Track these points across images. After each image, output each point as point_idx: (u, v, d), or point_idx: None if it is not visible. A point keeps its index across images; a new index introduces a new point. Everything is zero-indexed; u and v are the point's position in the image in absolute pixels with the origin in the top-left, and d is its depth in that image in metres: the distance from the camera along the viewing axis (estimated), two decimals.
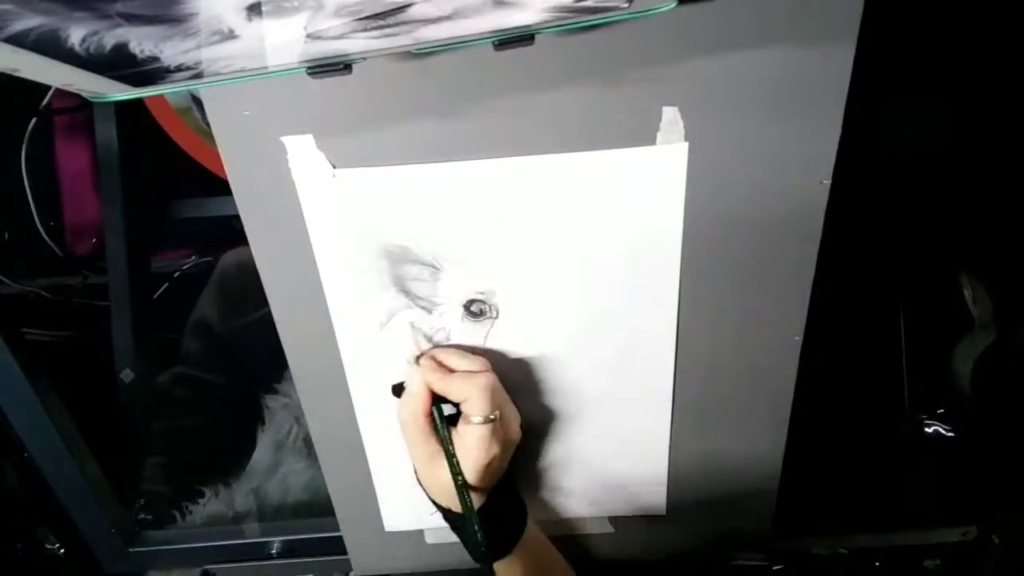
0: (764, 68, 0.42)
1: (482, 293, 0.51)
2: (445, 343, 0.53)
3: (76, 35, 0.30)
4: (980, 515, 0.71)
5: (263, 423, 0.88)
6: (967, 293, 0.74)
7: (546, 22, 0.35)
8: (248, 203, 0.48)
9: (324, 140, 0.45)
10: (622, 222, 0.48)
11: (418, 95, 0.44)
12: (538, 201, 0.47)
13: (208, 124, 0.51)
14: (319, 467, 0.83)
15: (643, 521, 0.62)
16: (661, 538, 0.64)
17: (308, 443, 0.86)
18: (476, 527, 0.49)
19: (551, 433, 0.57)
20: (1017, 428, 0.71)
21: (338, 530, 0.72)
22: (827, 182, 0.46)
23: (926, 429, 0.77)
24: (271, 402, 0.89)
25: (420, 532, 0.64)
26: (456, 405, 0.49)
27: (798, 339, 0.53)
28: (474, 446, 0.48)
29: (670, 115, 0.44)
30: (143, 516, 0.76)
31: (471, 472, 0.48)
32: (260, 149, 0.45)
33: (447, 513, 0.52)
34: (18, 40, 0.29)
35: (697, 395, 0.55)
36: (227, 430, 0.88)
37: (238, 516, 0.79)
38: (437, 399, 0.49)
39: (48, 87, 0.73)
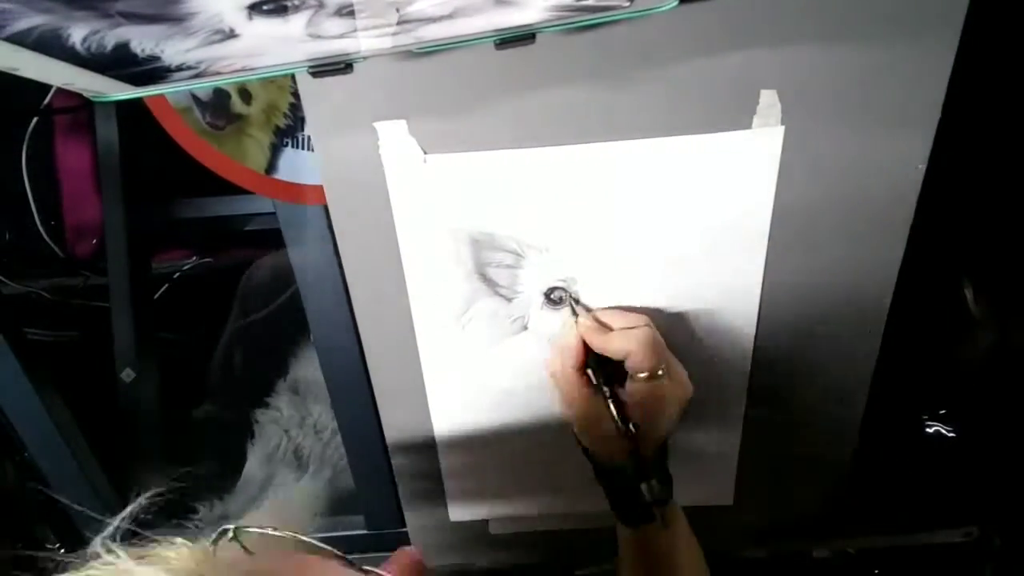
0: (865, 51, 0.42)
1: (563, 280, 0.51)
2: (520, 332, 0.53)
3: (77, 34, 0.30)
4: (982, 515, 0.71)
5: (253, 437, 0.88)
6: (968, 293, 0.74)
7: (547, 21, 0.35)
8: (336, 188, 0.49)
9: (415, 126, 0.46)
10: (709, 208, 0.48)
11: (509, 81, 0.44)
12: (626, 187, 0.47)
13: (209, 124, 0.51)
14: (311, 478, 0.84)
15: (709, 511, 0.62)
16: (727, 528, 0.64)
17: (298, 455, 0.87)
18: (649, 479, 0.46)
19: None
20: (1018, 428, 0.71)
21: (337, 530, 0.73)
22: (922, 166, 0.46)
23: (927, 429, 0.77)
24: (260, 416, 0.90)
25: (484, 523, 0.64)
26: (619, 364, 0.47)
27: (880, 327, 0.53)
28: (644, 403, 0.46)
29: (768, 98, 0.44)
30: (143, 516, 0.76)
31: (643, 429, 0.46)
32: (351, 134, 0.46)
33: (602, 468, 0.50)
34: (19, 39, 0.29)
35: (774, 385, 0.56)
36: (217, 446, 0.88)
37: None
38: (594, 357, 0.48)
39: (49, 86, 0.73)
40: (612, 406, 0.46)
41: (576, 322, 0.49)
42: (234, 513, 0.81)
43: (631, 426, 0.46)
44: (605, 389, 0.47)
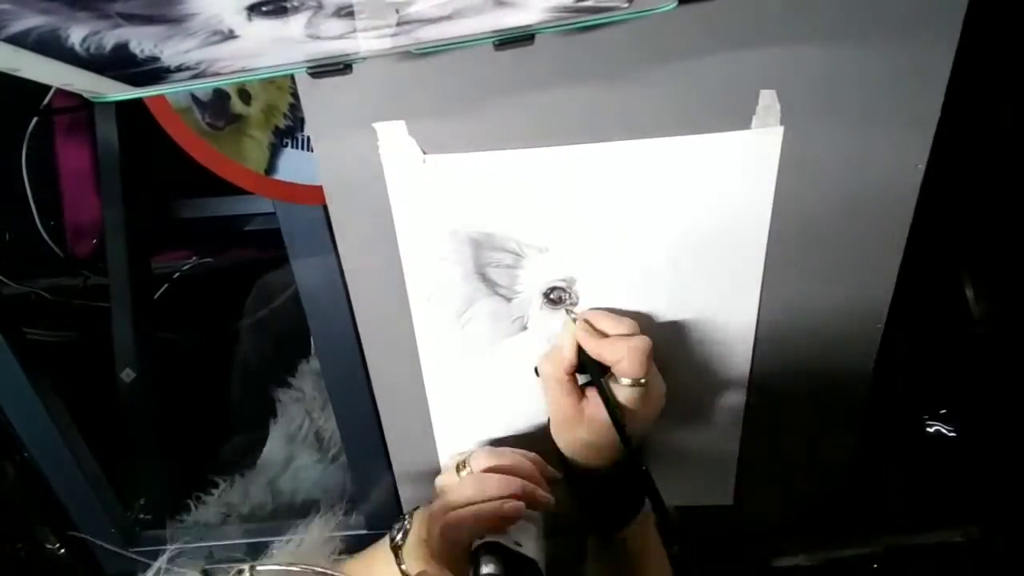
0: (864, 52, 0.43)
1: (563, 280, 0.51)
2: (520, 332, 0.53)
3: (77, 35, 0.30)
4: (982, 515, 0.71)
5: (275, 416, 0.88)
6: (968, 293, 0.74)
7: (546, 22, 0.35)
8: (335, 189, 0.49)
9: (415, 126, 0.46)
10: (709, 208, 0.48)
11: (509, 81, 0.44)
12: (625, 187, 0.47)
13: (209, 125, 0.51)
14: (330, 461, 0.84)
15: (709, 511, 0.63)
16: (726, 528, 0.64)
17: (319, 437, 0.86)
18: (637, 467, 0.47)
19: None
20: (1019, 428, 0.71)
21: (337, 530, 0.72)
22: (921, 166, 0.46)
23: (928, 429, 0.77)
24: (283, 395, 0.89)
25: None
26: (602, 368, 0.49)
27: (880, 327, 0.53)
28: (625, 408, 0.48)
29: (767, 99, 0.44)
30: (143, 516, 0.76)
31: (609, 432, 0.48)
32: (351, 135, 0.46)
33: (574, 472, 0.51)
34: (19, 40, 0.29)
35: (773, 385, 0.56)
36: (240, 422, 0.88)
37: (253, 509, 0.80)
38: (585, 361, 0.49)
39: (48, 87, 0.73)
40: (608, 410, 0.47)
41: (573, 326, 0.50)
42: (253, 493, 0.81)
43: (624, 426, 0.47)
44: (605, 388, 0.48)
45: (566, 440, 0.51)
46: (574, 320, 0.50)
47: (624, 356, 0.47)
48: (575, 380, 0.50)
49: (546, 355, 0.51)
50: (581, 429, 0.49)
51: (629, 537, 0.52)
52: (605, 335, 0.49)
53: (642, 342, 0.47)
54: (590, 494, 0.52)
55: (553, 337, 0.53)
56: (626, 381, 0.47)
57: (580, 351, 0.49)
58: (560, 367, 0.49)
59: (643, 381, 0.47)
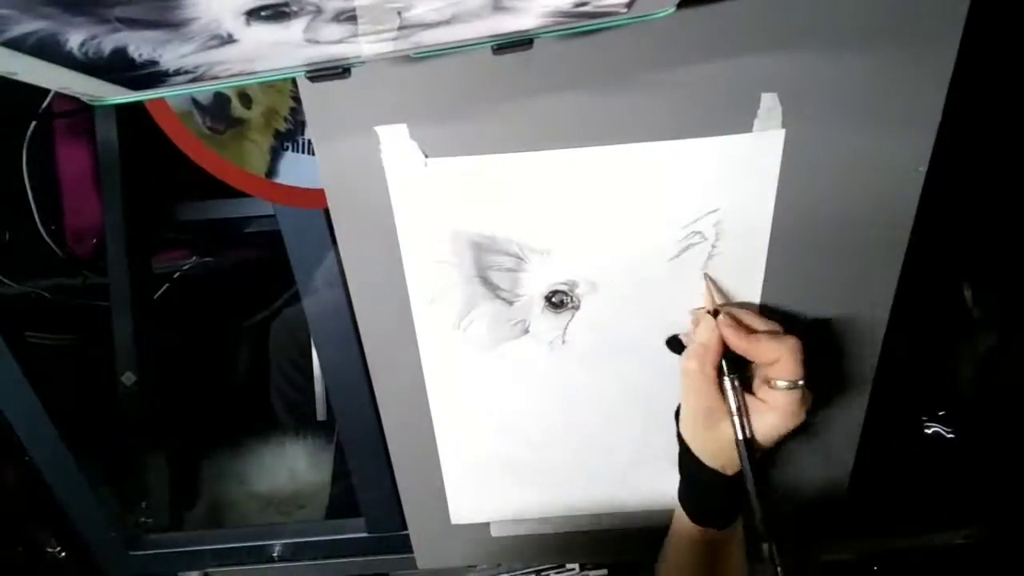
0: (865, 54, 0.42)
1: (565, 284, 0.51)
2: (521, 336, 0.53)
3: (75, 39, 0.30)
4: (982, 517, 0.71)
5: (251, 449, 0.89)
6: (968, 294, 0.74)
7: (544, 27, 0.35)
8: (337, 192, 0.48)
9: (416, 129, 0.46)
10: (710, 212, 0.48)
11: (510, 85, 0.44)
12: (627, 191, 0.47)
13: (210, 128, 0.51)
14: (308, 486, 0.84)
15: None
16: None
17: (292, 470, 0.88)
18: (752, 491, 0.47)
19: (626, 426, 0.58)
20: (1018, 429, 0.71)
21: (337, 533, 0.73)
22: (923, 168, 0.46)
23: (927, 431, 0.77)
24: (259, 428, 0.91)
25: (485, 525, 0.65)
26: (743, 367, 0.48)
27: (881, 331, 0.53)
28: (780, 411, 0.46)
29: (769, 101, 0.44)
30: (144, 520, 0.76)
31: (763, 437, 0.47)
32: (352, 138, 0.46)
33: (701, 473, 0.50)
34: (17, 44, 0.29)
35: None
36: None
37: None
38: (728, 356, 0.47)
39: (48, 89, 0.73)
40: (738, 413, 0.47)
41: (717, 321, 0.48)
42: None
43: (748, 433, 0.47)
44: (732, 397, 0.47)
45: (704, 438, 0.49)
46: (709, 313, 0.48)
47: (782, 356, 0.45)
48: (719, 375, 0.48)
49: (690, 352, 0.48)
50: (726, 423, 0.47)
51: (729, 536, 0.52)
52: (752, 331, 0.47)
53: (797, 342, 0.45)
54: (704, 487, 0.50)
55: (555, 341, 0.53)
56: (783, 384, 0.45)
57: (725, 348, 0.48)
58: (707, 363, 0.47)
59: (801, 383, 0.45)
